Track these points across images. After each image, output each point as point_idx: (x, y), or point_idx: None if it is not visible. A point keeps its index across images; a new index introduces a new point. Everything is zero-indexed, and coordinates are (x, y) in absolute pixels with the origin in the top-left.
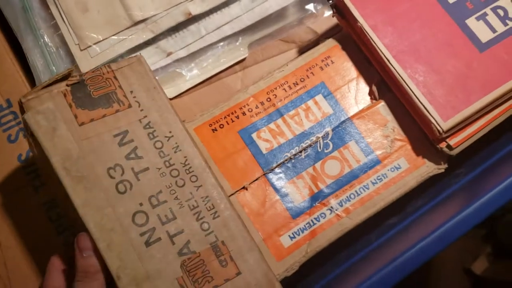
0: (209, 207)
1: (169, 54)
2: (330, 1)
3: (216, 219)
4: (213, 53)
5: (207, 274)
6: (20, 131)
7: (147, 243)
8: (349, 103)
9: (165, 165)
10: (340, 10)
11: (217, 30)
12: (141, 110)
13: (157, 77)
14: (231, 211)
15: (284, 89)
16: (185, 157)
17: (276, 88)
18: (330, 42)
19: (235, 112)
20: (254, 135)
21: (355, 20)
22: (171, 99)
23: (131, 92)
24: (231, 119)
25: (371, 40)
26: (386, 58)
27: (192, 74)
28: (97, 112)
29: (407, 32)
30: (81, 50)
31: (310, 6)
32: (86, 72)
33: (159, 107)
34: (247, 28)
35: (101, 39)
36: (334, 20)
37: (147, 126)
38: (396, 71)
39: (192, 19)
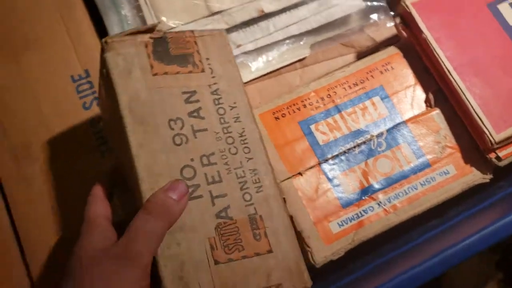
0: (255, 180)
1: (238, 46)
2: (392, 13)
3: (259, 193)
4: (278, 49)
5: (239, 242)
6: (95, 100)
7: (188, 197)
8: (405, 107)
9: (223, 131)
10: (405, 20)
11: (285, 28)
12: (213, 77)
13: None
14: (275, 190)
15: (344, 88)
16: (243, 128)
17: (336, 86)
18: (392, 50)
19: (297, 104)
20: (312, 127)
21: (420, 31)
22: None
23: (207, 59)
24: (293, 110)
25: (434, 52)
26: (447, 69)
27: (257, 67)
28: (171, 68)
29: (468, 48)
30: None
31: (374, 16)
32: (170, 31)
33: (229, 78)
34: (312, 30)
35: (179, 24)
36: (393, 31)
37: (215, 92)
38: (456, 82)
39: (264, 16)
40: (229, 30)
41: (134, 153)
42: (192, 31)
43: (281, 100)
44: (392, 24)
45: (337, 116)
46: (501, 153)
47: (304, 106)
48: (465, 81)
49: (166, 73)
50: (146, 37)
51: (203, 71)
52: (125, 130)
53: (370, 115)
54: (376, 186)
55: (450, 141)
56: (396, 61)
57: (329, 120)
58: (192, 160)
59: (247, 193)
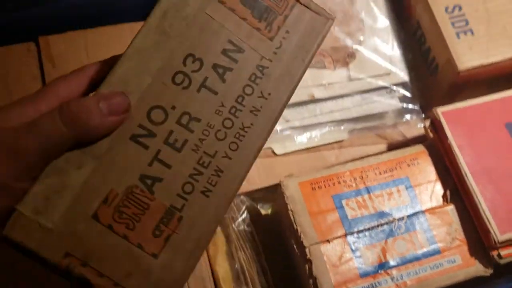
0: (211, 181)
1: (287, 121)
2: (423, 115)
3: (201, 196)
4: (320, 129)
5: (135, 221)
6: None
7: (132, 137)
8: (425, 199)
9: (230, 110)
10: (434, 125)
11: (329, 113)
12: (274, 53)
13: (272, 136)
14: (220, 208)
15: (375, 173)
16: (251, 124)
17: (369, 170)
18: (419, 147)
19: (333, 179)
20: (344, 202)
21: (446, 137)
22: (279, 155)
23: (287, 32)
24: (329, 184)
25: (455, 156)
26: (465, 173)
27: (301, 141)
28: (243, 10)
29: (485, 158)
30: None
31: (407, 116)
32: None
33: (288, 69)
34: (352, 118)
35: None
36: (422, 131)
37: (260, 69)
38: (471, 185)
39: (313, 100)
40: None
41: (126, 53)
42: None
43: (320, 173)
44: (422, 125)
45: (366, 196)
46: (503, 252)
47: (339, 182)
48: (479, 185)
49: (233, 10)
50: None
51: (270, 39)
52: (139, 31)
53: (395, 200)
54: (392, 263)
55: (460, 234)
56: (422, 158)
57: (359, 198)
58: (172, 108)
59: (190, 185)
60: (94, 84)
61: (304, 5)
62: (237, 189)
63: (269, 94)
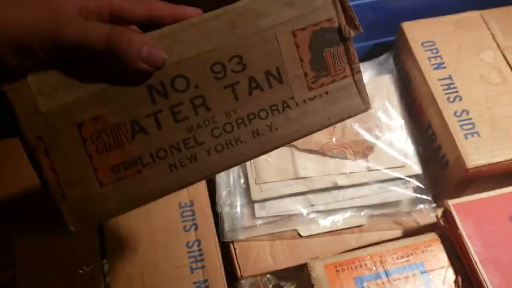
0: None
1: (312, 205)
2: (434, 205)
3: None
4: (342, 214)
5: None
6: (193, 226)
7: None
8: (438, 283)
9: (254, 115)
10: (446, 215)
11: (350, 200)
12: (303, 101)
13: (296, 219)
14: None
15: (393, 257)
16: (262, 134)
17: (387, 255)
18: (433, 235)
19: (355, 262)
20: (365, 284)
21: (457, 227)
22: (304, 237)
23: (326, 93)
24: (351, 267)
25: (465, 245)
26: (474, 261)
27: (324, 225)
28: (305, 52)
29: (493, 247)
30: (256, 183)
31: (421, 205)
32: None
33: (304, 121)
34: (371, 205)
35: (271, 180)
36: (434, 219)
37: (284, 104)
38: (480, 272)
39: (336, 187)
40: (307, 192)
41: (192, 20)
42: (357, 63)
43: (343, 257)
44: (434, 214)
45: (385, 279)
46: None
47: (361, 266)
48: (487, 272)
49: (297, 46)
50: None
51: (309, 89)
52: (215, 11)
53: (411, 284)
54: None
55: None
56: (435, 245)
57: (379, 281)
58: (196, 86)
59: (164, 152)
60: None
61: (355, 82)
62: (194, 181)
63: (276, 129)
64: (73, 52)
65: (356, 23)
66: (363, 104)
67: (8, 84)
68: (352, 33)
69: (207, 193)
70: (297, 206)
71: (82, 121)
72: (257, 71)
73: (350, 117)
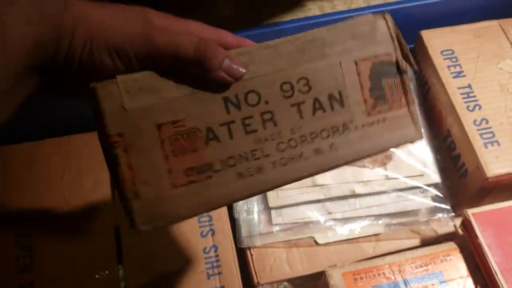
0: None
1: (329, 213)
2: (453, 214)
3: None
4: (360, 223)
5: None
6: (210, 231)
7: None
8: None
9: (315, 134)
10: (465, 224)
11: (368, 208)
12: (362, 126)
13: (313, 226)
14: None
15: (411, 266)
16: (323, 152)
17: (405, 264)
18: (451, 244)
19: (373, 271)
20: None
21: (476, 237)
22: (321, 244)
23: (383, 120)
24: (369, 275)
25: (485, 255)
26: (495, 271)
27: (342, 233)
28: (366, 81)
29: None
30: (273, 190)
31: (439, 214)
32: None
33: (359, 145)
34: (389, 213)
35: (288, 187)
36: (452, 228)
37: (344, 126)
38: (500, 282)
39: (353, 195)
40: (324, 200)
41: (267, 43)
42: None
43: (361, 265)
44: (453, 223)
45: None
46: None
47: (379, 274)
48: (508, 283)
49: (359, 75)
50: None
51: (367, 115)
52: (287, 37)
53: None
54: None
55: None
56: (454, 254)
57: None
58: (265, 102)
59: (233, 161)
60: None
61: (410, 113)
62: (259, 192)
63: (337, 149)
64: (163, 58)
65: (411, 60)
66: (417, 134)
67: (98, 82)
68: (407, 68)
69: (227, 218)
70: (314, 213)
71: (163, 123)
72: (321, 93)
73: (404, 144)
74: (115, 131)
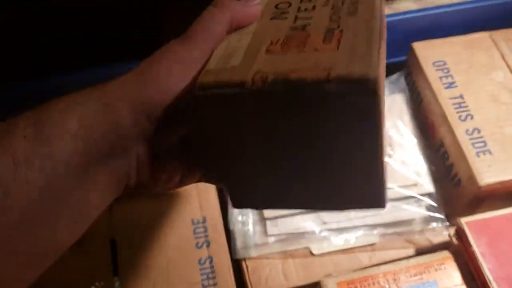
0: (351, 7)
1: (324, 223)
2: (447, 223)
3: (350, 16)
4: (355, 232)
5: (302, 44)
6: (205, 243)
7: (272, 18)
8: None
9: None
10: (459, 233)
11: (362, 218)
12: None
13: (308, 237)
14: (373, 12)
15: (405, 275)
16: None
17: (399, 273)
18: (445, 253)
19: (368, 280)
20: None
21: (470, 245)
22: (316, 255)
23: None
24: (364, 284)
25: (479, 263)
26: (488, 279)
27: (337, 243)
28: None
29: (506, 265)
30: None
31: (433, 224)
32: None
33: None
34: (383, 223)
35: None
36: (447, 238)
37: None
38: None
39: None
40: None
41: None
42: None
43: (356, 274)
44: (447, 232)
45: None
46: None
47: (374, 283)
48: None
49: None
50: None
51: None
52: None
53: None
54: None
55: None
56: (448, 263)
57: None
58: None
59: (336, 16)
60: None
61: None
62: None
63: None
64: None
65: None
66: None
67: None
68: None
69: (219, 210)
70: (309, 223)
71: (266, 47)
72: None
73: None
74: (250, 76)
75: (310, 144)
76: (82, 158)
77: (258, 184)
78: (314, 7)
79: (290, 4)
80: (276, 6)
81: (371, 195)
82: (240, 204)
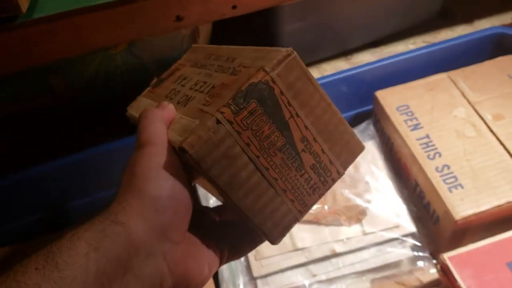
0: (232, 66)
1: (314, 275)
2: (434, 261)
3: (239, 67)
4: (345, 281)
5: (224, 86)
6: None
7: (185, 104)
8: None
9: (203, 68)
10: (444, 270)
11: (351, 265)
12: (192, 61)
13: None
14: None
15: None
16: (219, 56)
17: None
18: None
19: None
20: None
21: (455, 280)
22: None
23: (188, 59)
24: None
25: None
26: None
27: None
28: (165, 82)
29: None
30: (256, 259)
31: (420, 263)
32: None
33: (204, 55)
34: (371, 268)
35: (271, 255)
36: (435, 275)
37: (195, 64)
38: None
39: (335, 255)
40: (307, 263)
41: None
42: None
43: None
44: (434, 270)
45: None
46: None
47: None
48: None
49: (161, 86)
50: (146, 89)
51: (184, 65)
52: None
53: None
54: None
55: None
56: None
57: None
58: (185, 94)
59: (229, 69)
60: None
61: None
62: None
63: None
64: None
65: None
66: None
67: None
68: None
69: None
70: (298, 278)
71: None
72: None
73: None
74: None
75: (289, 131)
76: (98, 277)
77: (273, 202)
78: (205, 82)
79: (187, 95)
80: (178, 102)
81: (350, 143)
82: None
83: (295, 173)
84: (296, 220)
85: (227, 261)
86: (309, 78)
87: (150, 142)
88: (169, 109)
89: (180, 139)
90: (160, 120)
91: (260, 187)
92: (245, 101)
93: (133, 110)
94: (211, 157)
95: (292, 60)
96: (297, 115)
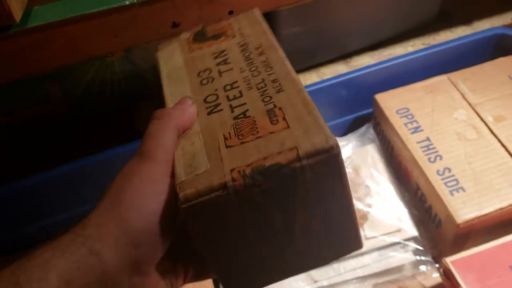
0: (276, 86)
1: (315, 281)
2: (437, 265)
3: (279, 93)
4: (347, 286)
5: (255, 129)
6: None
7: (209, 113)
8: None
9: (247, 65)
10: (447, 274)
11: (352, 271)
12: (242, 36)
13: None
14: (297, 86)
15: None
16: (266, 57)
17: None
18: None
19: None
20: None
21: (458, 284)
22: None
23: (239, 28)
24: None
25: None
26: None
27: None
28: (207, 43)
29: None
30: None
31: (423, 267)
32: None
33: (257, 33)
34: (374, 273)
35: None
36: (438, 280)
37: (242, 44)
38: None
39: (337, 260)
40: None
41: (166, 101)
42: (227, 20)
43: None
44: (437, 274)
45: None
46: None
47: None
48: None
49: (201, 48)
50: (188, 33)
51: (234, 36)
52: (162, 92)
53: None
54: None
55: None
56: None
57: None
58: (216, 90)
59: (267, 97)
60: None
61: (235, 18)
62: (291, 75)
63: (260, 44)
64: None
65: None
66: None
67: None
68: None
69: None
70: (300, 283)
71: (224, 143)
72: None
73: None
74: (228, 175)
75: (293, 217)
76: None
77: (248, 266)
78: (241, 93)
79: (217, 96)
80: (205, 100)
81: (350, 239)
82: None
83: (285, 248)
84: None
85: (191, 280)
86: (343, 182)
87: (152, 156)
88: (189, 114)
89: (182, 178)
90: (173, 128)
91: (244, 260)
92: (263, 178)
93: (162, 57)
94: (202, 218)
95: (331, 158)
96: (308, 209)
